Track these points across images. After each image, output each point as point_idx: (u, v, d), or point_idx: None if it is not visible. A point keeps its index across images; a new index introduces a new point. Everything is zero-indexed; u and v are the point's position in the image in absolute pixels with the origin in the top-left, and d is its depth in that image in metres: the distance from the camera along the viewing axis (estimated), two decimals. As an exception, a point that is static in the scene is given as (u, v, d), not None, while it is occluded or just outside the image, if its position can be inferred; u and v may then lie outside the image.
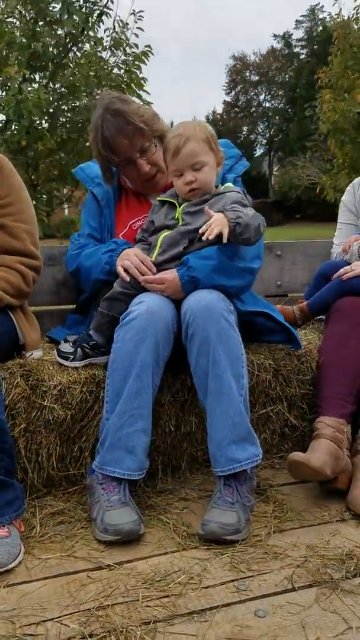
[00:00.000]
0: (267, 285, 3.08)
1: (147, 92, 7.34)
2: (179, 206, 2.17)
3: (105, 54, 7.36)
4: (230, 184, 2.23)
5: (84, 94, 7.26)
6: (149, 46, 7.26)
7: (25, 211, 2.20)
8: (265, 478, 2.21)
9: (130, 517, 1.80)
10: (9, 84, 6.44)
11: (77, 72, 7.19)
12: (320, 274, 2.69)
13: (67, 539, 1.82)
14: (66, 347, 2.13)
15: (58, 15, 6.82)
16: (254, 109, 51.12)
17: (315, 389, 2.31)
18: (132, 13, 7.17)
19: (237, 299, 2.14)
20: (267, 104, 50.51)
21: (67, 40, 7.13)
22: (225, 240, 1.97)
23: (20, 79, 6.44)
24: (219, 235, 1.97)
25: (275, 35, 57.57)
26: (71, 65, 7.30)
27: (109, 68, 7.31)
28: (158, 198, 2.28)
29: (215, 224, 1.98)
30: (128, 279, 2.08)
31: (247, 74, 51.35)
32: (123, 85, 7.13)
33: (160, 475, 2.20)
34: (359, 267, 2.43)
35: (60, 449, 2.06)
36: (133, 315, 1.94)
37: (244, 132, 51.46)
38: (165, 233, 2.15)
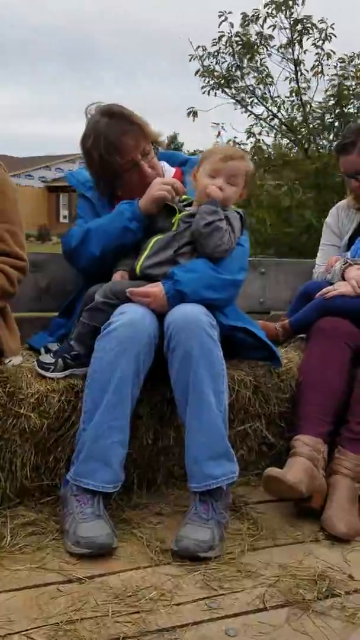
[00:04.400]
0: (250, 302, 3.09)
1: None
2: (179, 212, 2.18)
3: None
4: (234, 207, 2.26)
5: None
6: None
7: (10, 211, 2.17)
8: (240, 495, 2.20)
9: (104, 530, 1.78)
10: None
11: None
12: (303, 293, 2.71)
13: (38, 550, 1.79)
14: (46, 358, 2.11)
15: None
16: None
17: (294, 407, 2.32)
18: None
19: (220, 312, 2.14)
20: None
21: None
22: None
23: None
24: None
25: None
26: None
27: None
28: None
29: (214, 190, 2.11)
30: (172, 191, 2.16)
31: None
32: None
33: (136, 489, 2.18)
34: (342, 286, 2.46)
35: (35, 459, 2.03)
36: (114, 325, 1.92)
37: None
38: (157, 236, 2.15)
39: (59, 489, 2.02)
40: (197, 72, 8.86)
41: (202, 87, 8.89)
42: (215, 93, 8.97)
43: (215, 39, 8.61)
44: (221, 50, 8.67)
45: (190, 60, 8.79)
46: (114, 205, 2.39)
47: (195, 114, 8.79)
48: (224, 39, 8.55)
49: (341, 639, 1.48)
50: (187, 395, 1.90)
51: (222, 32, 8.51)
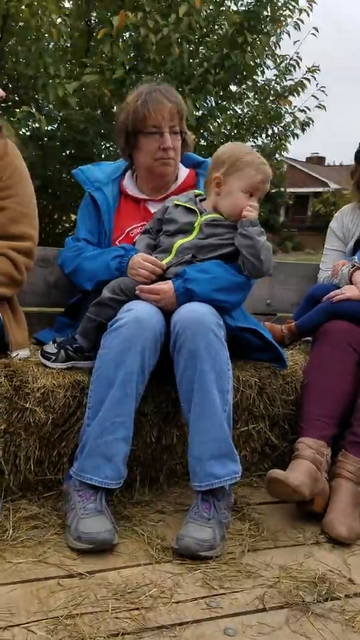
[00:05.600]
0: (257, 303, 3.08)
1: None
2: (200, 214, 2.17)
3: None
4: None
5: None
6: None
7: (25, 195, 2.18)
8: (242, 496, 2.20)
9: (105, 526, 1.79)
10: None
11: None
12: (311, 296, 2.70)
13: (40, 544, 1.80)
14: (50, 348, 2.12)
15: None
16: None
17: (298, 410, 2.32)
18: None
19: (227, 315, 2.14)
20: None
21: None
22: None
23: None
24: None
25: None
26: None
27: None
28: (175, 201, 2.24)
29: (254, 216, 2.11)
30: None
31: None
32: None
33: (138, 486, 2.18)
34: (349, 290, 2.45)
35: (39, 453, 2.04)
36: (121, 322, 1.92)
37: None
38: (181, 241, 2.14)
39: (62, 483, 2.03)
40: None
41: None
42: None
43: None
44: None
45: None
46: (120, 206, 2.40)
47: None
48: None
49: (340, 642, 1.48)
50: (191, 394, 1.90)
51: None
